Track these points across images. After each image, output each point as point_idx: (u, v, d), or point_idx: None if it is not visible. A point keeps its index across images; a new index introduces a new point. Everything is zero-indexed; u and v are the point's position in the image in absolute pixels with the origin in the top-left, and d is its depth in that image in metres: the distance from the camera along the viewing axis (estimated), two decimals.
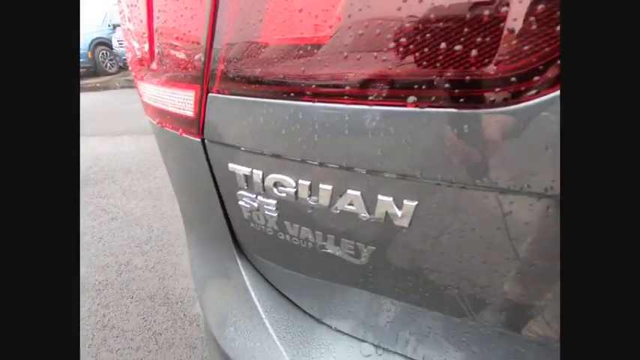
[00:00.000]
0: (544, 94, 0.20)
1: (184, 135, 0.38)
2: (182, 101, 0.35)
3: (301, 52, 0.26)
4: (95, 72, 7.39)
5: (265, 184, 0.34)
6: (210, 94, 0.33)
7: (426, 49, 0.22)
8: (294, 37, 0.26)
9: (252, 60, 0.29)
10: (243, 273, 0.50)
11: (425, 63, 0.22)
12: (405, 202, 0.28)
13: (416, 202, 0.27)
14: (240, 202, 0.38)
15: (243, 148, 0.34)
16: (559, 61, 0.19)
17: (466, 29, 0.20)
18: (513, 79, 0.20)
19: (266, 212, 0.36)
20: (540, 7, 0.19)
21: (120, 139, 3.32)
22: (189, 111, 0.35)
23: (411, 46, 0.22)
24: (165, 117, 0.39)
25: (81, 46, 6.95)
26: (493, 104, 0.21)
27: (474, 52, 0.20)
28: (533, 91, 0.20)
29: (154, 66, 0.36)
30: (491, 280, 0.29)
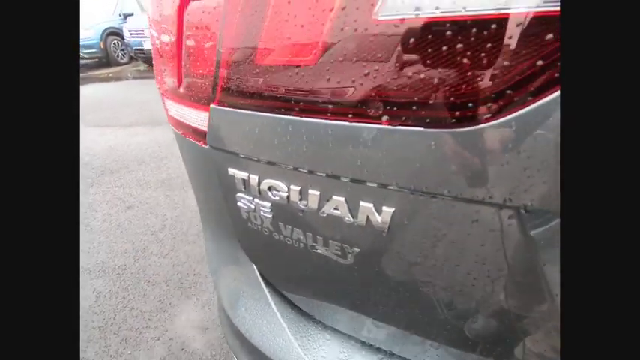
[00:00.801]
0: (499, 118, 0.22)
1: (201, 145, 0.42)
2: (200, 119, 0.40)
3: (289, 74, 0.29)
4: (107, 62, 7.50)
5: (261, 187, 0.38)
6: (211, 105, 0.37)
7: (395, 77, 0.24)
8: (283, 61, 0.29)
9: (246, 79, 0.32)
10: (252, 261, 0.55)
11: (394, 88, 0.25)
12: (384, 208, 0.31)
13: (393, 209, 0.30)
14: (239, 204, 0.42)
15: (241, 155, 0.37)
16: (509, 91, 0.21)
17: (428, 61, 0.22)
18: (470, 104, 0.23)
19: (262, 213, 0.40)
20: (503, 38, 0.21)
21: (134, 130, 3.42)
22: (203, 126, 0.40)
23: (385, 74, 0.24)
24: (187, 129, 0.44)
25: (93, 36, 7.02)
26: (454, 125, 0.24)
27: (435, 81, 0.23)
28: (489, 115, 0.22)
29: (181, 90, 0.41)
30: (464, 281, 0.32)
